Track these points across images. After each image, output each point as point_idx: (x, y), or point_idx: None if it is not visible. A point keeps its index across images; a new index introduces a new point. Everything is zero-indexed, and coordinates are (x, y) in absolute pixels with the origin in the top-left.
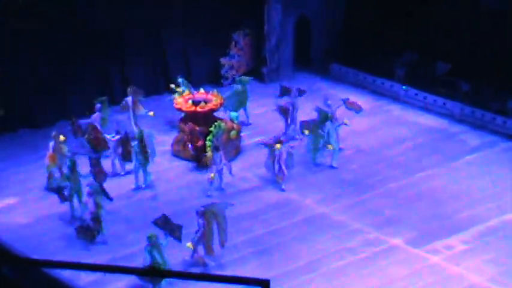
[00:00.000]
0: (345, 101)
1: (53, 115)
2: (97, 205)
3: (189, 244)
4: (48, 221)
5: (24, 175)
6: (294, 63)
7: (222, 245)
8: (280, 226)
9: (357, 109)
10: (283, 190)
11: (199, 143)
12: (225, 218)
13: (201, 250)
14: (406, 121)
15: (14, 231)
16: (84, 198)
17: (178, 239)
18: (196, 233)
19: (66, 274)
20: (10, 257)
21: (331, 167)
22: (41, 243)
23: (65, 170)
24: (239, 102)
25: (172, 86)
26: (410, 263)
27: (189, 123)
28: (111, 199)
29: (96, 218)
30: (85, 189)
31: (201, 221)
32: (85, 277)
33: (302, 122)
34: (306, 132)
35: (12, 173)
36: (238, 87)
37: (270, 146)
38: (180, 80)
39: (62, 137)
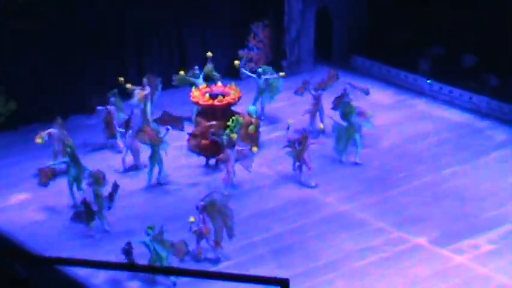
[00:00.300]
0: (351, 84)
1: (70, 108)
2: (96, 196)
3: (191, 219)
4: (62, 218)
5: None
6: (314, 56)
7: (230, 237)
8: (300, 224)
9: (365, 91)
10: (313, 187)
11: (204, 142)
12: (228, 209)
13: (204, 244)
14: (430, 116)
15: (26, 228)
16: (84, 186)
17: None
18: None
19: (81, 272)
20: (23, 255)
21: (355, 163)
22: (54, 241)
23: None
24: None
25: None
26: (434, 263)
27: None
28: (109, 207)
29: (88, 205)
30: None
31: (201, 216)
32: (102, 275)
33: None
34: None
35: (25, 168)
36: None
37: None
38: (196, 71)
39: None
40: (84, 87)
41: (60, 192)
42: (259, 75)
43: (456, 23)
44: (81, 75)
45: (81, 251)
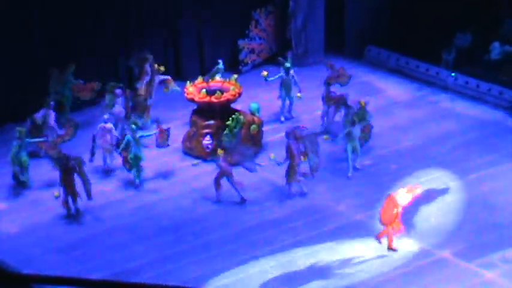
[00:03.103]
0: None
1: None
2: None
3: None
4: (41, 230)
5: None
6: (324, 46)
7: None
8: (310, 235)
9: (343, 80)
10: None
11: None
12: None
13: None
14: (454, 114)
15: (2, 242)
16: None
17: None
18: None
19: None
20: None
21: (355, 168)
22: (33, 256)
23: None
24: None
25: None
26: (461, 279)
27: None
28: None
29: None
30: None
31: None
32: None
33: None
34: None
35: (1, 175)
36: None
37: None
38: (220, 65)
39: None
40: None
41: (37, 202)
42: (287, 70)
43: (485, 7)
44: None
45: (63, 267)
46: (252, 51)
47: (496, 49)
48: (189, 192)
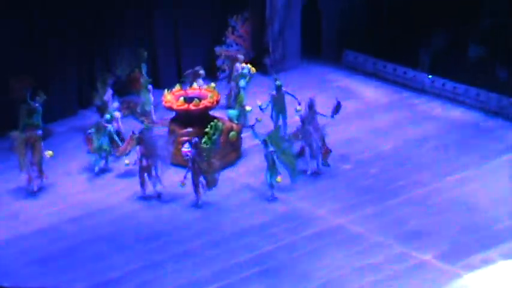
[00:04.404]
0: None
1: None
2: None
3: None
4: (21, 242)
5: None
6: (301, 51)
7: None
8: (290, 241)
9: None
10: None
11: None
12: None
13: None
14: (432, 116)
15: None
16: None
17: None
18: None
19: None
20: None
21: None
22: (13, 268)
23: None
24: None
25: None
26: (442, 282)
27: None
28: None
29: None
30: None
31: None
32: None
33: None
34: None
35: None
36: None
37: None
38: (246, 70)
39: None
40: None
41: (17, 213)
42: (279, 87)
43: (461, 8)
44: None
45: (44, 279)
46: (228, 57)
47: (472, 50)
48: (169, 200)
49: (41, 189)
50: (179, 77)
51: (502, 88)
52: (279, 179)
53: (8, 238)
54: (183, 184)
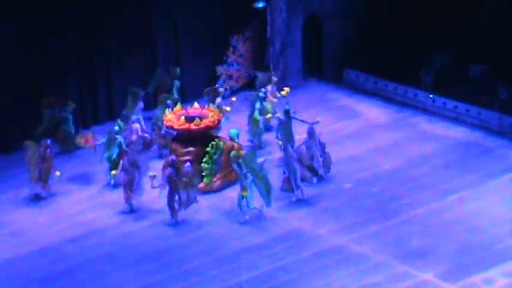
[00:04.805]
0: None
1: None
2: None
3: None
4: (22, 262)
5: None
6: (302, 70)
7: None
8: (290, 261)
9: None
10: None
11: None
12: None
13: None
14: (434, 135)
15: None
16: None
17: None
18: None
19: None
20: None
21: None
22: None
23: None
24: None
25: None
26: None
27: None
28: None
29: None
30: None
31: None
32: None
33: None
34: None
35: None
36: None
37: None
38: (262, 94)
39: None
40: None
41: (18, 233)
42: (287, 112)
43: (461, 29)
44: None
45: None
46: (230, 77)
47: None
48: (169, 220)
49: (42, 207)
50: (181, 97)
51: (503, 107)
52: (244, 192)
53: (9, 258)
54: (154, 180)
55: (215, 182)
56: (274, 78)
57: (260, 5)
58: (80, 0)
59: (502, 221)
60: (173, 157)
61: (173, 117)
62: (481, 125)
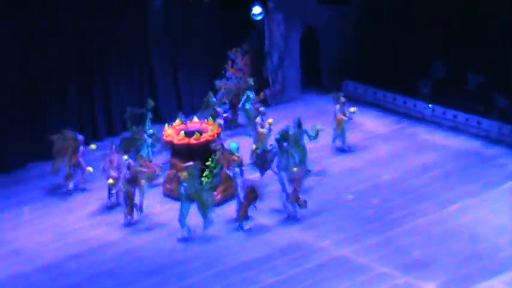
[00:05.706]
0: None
1: (26, 157)
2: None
3: None
4: (23, 279)
5: None
6: (301, 82)
7: None
8: (292, 274)
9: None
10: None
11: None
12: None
13: None
14: (433, 145)
15: None
16: None
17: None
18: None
19: None
20: None
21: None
22: None
23: None
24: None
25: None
26: None
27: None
28: None
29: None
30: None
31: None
32: None
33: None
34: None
35: None
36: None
37: None
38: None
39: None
40: (46, 127)
41: (18, 251)
42: (299, 124)
43: (459, 39)
44: (42, 113)
45: None
46: (228, 91)
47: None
48: (170, 235)
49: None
50: (179, 110)
51: (503, 116)
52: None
53: (10, 275)
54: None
55: (217, 195)
56: (263, 110)
57: (258, 17)
58: (80, 0)
59: (503, 230)
60: (129, 162)
61: (173, 131)
62: (481, 134)
